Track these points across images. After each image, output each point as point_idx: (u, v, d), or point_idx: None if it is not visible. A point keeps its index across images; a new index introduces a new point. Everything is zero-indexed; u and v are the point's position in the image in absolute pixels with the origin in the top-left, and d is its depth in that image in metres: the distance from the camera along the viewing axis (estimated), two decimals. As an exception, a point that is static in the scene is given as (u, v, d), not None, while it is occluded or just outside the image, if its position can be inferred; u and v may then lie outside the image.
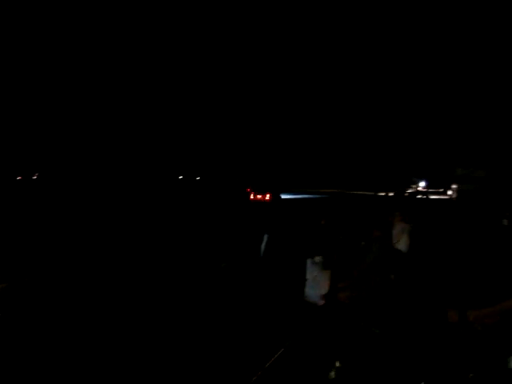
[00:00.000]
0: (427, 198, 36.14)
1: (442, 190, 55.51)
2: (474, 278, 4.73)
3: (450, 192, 43.33)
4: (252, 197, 30.90)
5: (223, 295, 7.11)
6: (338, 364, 4.15)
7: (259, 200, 30.02)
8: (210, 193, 37.10)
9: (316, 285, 6.37)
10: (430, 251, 8.20)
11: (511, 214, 5.04)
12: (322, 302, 6.13)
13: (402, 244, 8.03)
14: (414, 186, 52.65)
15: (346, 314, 5.08)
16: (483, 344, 3.03)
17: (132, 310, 6.44)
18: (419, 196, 36.34)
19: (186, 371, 4.65)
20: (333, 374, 4.07)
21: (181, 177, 62.58)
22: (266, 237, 7.46)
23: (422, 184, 56.53)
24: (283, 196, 35.16)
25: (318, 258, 6.48)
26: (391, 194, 30.53)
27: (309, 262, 6.38)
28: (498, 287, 3.76)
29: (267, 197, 30.47)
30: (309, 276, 6.34)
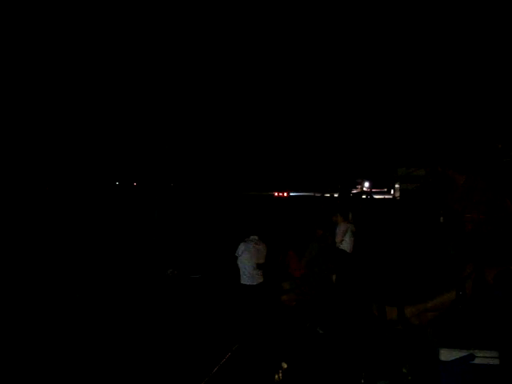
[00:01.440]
0: (372, 197, 37.00)
1: (385, 189, 57.06)
2: (412, 275, 4.89)
3: (393, 191, 44.60)
4: (276, 194, 46.73)
5: (167, 300, 7.06)
6: (284, 366, 4.19)
7: (281, 196, 45.81)
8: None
9: (246, 263, 6.60)
10: (373, 250, 8.42)
11: (446, 211, 5.23)
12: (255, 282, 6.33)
13: (345, 244, 8.20)
14: (358, 187, 53.87)
15: (292, 315, 5.15)
16: (418, 338, 3.15)
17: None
18: (364, 196, 37.18)
19: (131, 379, 4.58)
20: (279, 375, 4.10)
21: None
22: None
23: (367, 184, 57.82)
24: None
25: (251, 237, 6.72)
26: (336, 195, 31.11)
27: (241, 244, 6.64)
28: (433, 283, 3.91)
29: (285, 194, 47.51)
30: (237, 252, 6.56)
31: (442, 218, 5.67)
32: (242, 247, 6.92)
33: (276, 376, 4.07)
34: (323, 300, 5.06)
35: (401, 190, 37.92)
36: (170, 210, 26.48)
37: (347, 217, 8.71)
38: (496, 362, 2.45)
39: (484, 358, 2.46)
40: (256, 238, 7.07)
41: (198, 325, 5.99)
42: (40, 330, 5.98)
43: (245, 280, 6.79)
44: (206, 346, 5.20)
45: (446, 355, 2.52)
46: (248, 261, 6.80)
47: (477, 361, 2.46)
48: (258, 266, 6.85)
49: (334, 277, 5.49)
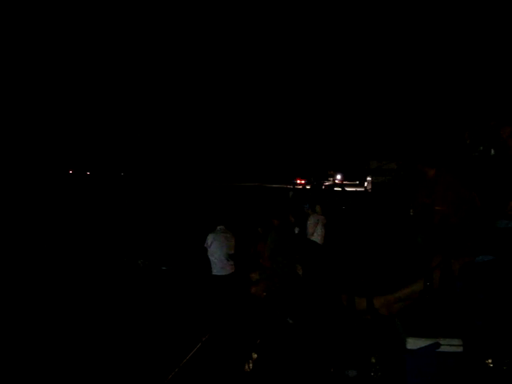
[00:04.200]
0: (344, 190, 37.28)
1: (357, 182, 57.64)
2: (381, 266, 4.97)
3: (365, 184, 45.01)
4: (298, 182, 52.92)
5: (138, 291, 7.02)
6: (254, 356, 4.22)
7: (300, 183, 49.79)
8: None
9: (217, 254, 6.61)
10: (344, 242, 8.51)
11: (415, 204, 5.32)
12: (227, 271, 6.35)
13: (316, 235, 8.28)
14: (330, 179, 54.30)
15: (262, 305, 5.17)
16: (386, 328, 3.20)
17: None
18: (336, 188, 37.45)
19: (99, 371, 4.54)
20: (249, 365, 4.13)
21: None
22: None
23: (339, 177, 58.19)
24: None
25: (218, 227, 6.73)
26: (308, 187, 31.29)
27: (209, 234, 6.65)
28: (402, 274, 3.97)
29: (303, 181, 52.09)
30: (206, 243, 6.56)
31: (411, 211, 5.75)
32: (210, 238, 6.93)
33: (246, 366, 4.10)
34: (292, 290, 5.10)
35: (372, 182, 38.30)
36: (139, 200, 26.23)
37: (314, 209, 8.79)
38: (460, 349, 2.52)
39: (448, 345, 2.53)
40: (223, 227, 7.09)
41: (168, 315, 5.97)
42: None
43: (217, 271, 6.79)
44: (176, 336, 5.19)
45: (413, 344, 2.58)
46: (218, 251, 6.81)
47: (442, 349, 2.53)
48: (230, 257, 6.87)
49: (299, 267, 5.53)
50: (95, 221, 16.25)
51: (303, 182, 54.30)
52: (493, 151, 4.96)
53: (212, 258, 6.86)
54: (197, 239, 7.64)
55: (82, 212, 19.38)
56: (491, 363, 2.57)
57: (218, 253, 6.81)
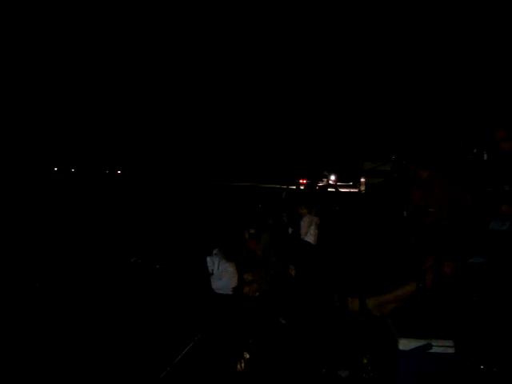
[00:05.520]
0: (337, 190, 37.35)
1: (351, 183, 57.86)
2: (374, 267, 4.99)
3: (361, 185, 45.14)
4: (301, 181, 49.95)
5: (130, 290, 6.99)
6: (246, 356, 4.22)
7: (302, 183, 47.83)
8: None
9: (220, 275, 6.51)
10: (337, 242, 8.53)
11: (409, 205, 5.36)
12: (231, 292, 6.25)
13: (310, 236, 8.29)
14: (324, 180, 54.47)
15: (254, 305, 5.17)
16: (379, 329, 3.21)
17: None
18: (330, 189, 37.51)
19: (89, 369, 4.51)
20: (242, 365, 4.12)
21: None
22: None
23: (333, 177, 58.33)
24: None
25: (215, 250, 6.62)
26: (302, 187, 31.35)
27: (208, 258, 6.51)
28: (395, 275, 3.99)
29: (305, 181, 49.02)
30: (210, 268, 6.46)
31: (405, 212, 5.77)
32: (209, 262, 6.74)
33: (238, 366, 4.09)
34: (285, 290, 5.10)
35: (366, 184, 38.42)
36: (128, 197, 26.09)
37: (311, 209, 8.78)
38: (452, 350, 2.53)
39: (440, 347, 2.54)
40: (218, 250, 6.95)
41: (160, 314, 5.95)
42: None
43: (225, 290, 6.59)
44: (168, 335, 5.17)
45: (405, 345, 2.59)
46: (227, 274, 6.65)
47: (434, 350, 2.54)
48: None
49: (292, 267, 5.52)
50: (85, 219, 16.15)
51: (305, 181, 53.63)
52: (485, 155, 5.00)
53: (220, 281, 6.58)
54: (191, 237, 7.60)
55: (71, 210, 19.25)
56: (482, 365, 2.58)
57: (225, 277, 6.64)
